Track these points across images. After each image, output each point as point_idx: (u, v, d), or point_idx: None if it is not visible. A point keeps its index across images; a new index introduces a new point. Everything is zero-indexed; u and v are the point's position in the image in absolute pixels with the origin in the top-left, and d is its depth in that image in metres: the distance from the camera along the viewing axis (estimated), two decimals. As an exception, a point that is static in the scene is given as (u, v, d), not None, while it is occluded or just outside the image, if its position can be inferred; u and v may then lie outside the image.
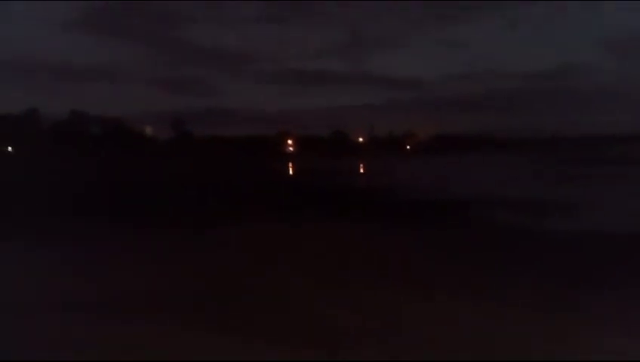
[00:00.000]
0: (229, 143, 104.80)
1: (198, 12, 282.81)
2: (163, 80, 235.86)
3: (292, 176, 58.85)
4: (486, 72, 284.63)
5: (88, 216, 22.70)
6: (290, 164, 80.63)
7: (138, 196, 32.65)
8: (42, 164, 60.77)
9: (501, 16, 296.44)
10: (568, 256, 14.19)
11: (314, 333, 8.13)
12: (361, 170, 63.41)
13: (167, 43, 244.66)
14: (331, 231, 18.78)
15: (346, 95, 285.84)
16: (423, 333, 8.14)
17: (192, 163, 69.54)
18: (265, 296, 10.24)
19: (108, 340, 7.88)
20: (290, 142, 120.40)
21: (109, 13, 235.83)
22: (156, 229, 18.99)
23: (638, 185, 35.20)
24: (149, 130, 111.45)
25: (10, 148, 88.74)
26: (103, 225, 19.92)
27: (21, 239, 16.82)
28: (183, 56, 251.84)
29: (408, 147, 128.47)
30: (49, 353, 7.36)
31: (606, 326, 8.41)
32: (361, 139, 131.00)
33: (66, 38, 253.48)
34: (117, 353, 7.36)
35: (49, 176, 46.75)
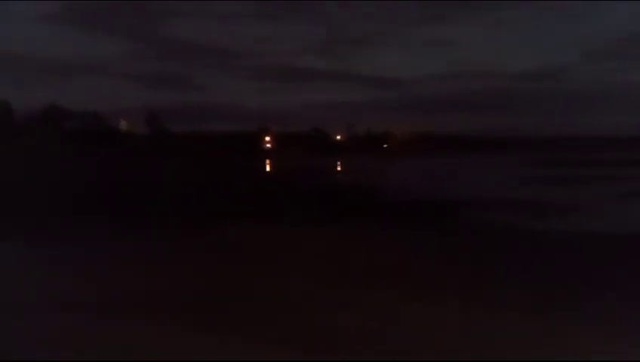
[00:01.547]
0: (208, 139, 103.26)
1: (186, 8, 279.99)
2: (146, 75, 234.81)
3: (269, 175, 58.63)
4: (475, 72, 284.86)
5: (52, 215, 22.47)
6: (268, 162, 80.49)
7: (105, 195, 32.35)
8: (13, 158, 59.54)
9: (492, 16, 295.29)
10: (568, 256, 14.21)
11: (314, 333, 8.13)
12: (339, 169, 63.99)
13: (152, 38, 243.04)
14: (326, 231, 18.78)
15: (329, 93, 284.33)
16: (423, 333, 8.15)
17: (167, 159, 68.35)
18: (265, 295, 10.24)
19: (108, 340, 7.87)
20: (267, 138, 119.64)
21: (92, 8, 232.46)
22: (143, 230, 18.96)
23: (636, 186, 35.26)
24: (123, 125, 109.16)
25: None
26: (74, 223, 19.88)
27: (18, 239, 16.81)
28: (167, 51, 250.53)
29: (385, 145, 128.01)
30: (49, 353, 7.35)
31: (606, 326, 8.42)
32: (339, 137, 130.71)
33: (46, 32, 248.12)
34: (117, 353, 7.36)
35: (22, 172, 46.08)
